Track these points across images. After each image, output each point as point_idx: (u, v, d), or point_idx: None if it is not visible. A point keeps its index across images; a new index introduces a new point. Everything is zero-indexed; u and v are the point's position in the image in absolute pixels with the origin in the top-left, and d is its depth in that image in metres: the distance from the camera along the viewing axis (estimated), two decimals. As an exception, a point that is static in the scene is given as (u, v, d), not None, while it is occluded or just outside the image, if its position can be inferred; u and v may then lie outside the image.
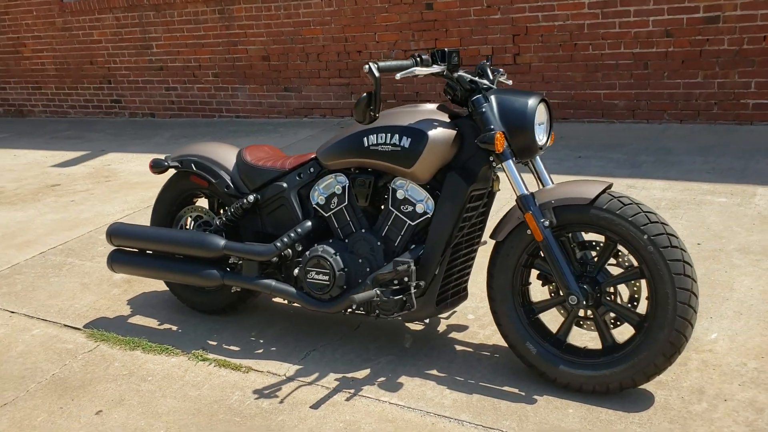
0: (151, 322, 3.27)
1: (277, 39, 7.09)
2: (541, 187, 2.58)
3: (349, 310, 2.66)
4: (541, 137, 2.47)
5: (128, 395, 2.72)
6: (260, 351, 2.94)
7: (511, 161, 2.39)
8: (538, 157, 2.58)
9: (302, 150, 5.92)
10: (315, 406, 2.54)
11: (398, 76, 2.28)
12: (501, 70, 2.72)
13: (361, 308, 2.66)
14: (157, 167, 3.08)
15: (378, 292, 2.51)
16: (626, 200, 2.30)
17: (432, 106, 2.61)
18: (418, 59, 2.37)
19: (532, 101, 2.41)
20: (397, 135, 2.52)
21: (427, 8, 6.24)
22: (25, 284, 3.84)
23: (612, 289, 2.40)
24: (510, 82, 2.90)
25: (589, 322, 2.46)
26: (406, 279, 2.51)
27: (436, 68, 2.40)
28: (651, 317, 2.28)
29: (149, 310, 3.40)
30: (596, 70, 5.72)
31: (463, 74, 2.47)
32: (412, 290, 2.51)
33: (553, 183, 2.57)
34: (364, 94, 2.33)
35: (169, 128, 7.69)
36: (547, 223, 2.34)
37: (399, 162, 2.53)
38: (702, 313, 2.86)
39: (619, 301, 2.43)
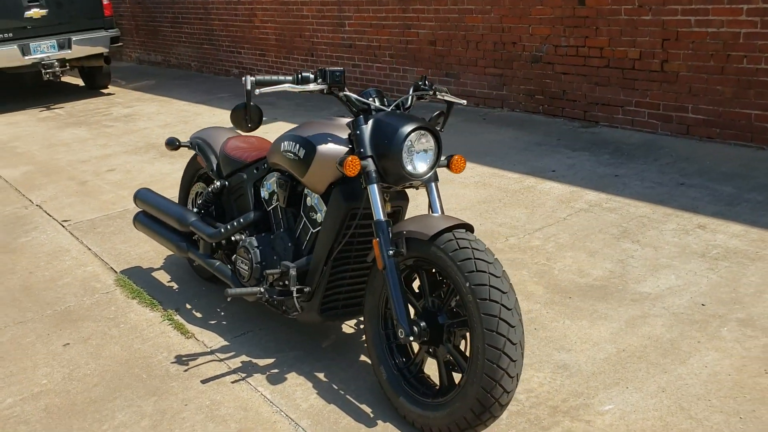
0: (164, 278, 3.77)
1: (443, 25, 7.18)
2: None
3: (267, 298, 2.85)
4: (416, 165, 2.40)
5: (95, 336, 3.23)
6: (213, 322, 3.26)
7: (375, 186, 2.38)
8: (432, 184, 2.51)
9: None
10: (205, 381, 2.81)
11: (258, 91, 2.38)
12: (443, 89, 2.66)
13: (274, 303, 2.84)
14: (170, 145, 3.51)
15: (262, 290, 2.68)
16: (464, 243, 2.18)
17: (345, 121, 2.66)
18: (298, 77, 2.45)
19: (405, 128, 2.36)
20: (297, 144, 2.63)
21: (579, 4, 5.88)
22: (116, 228, 4.58)
23: (455, 331, 2.30)
24: (464, 102, 2.81)
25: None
26: (287, 282, 2.64)
27: (313, 86, 2.45)
28: (467, 369, 2.17)
29: (172, 267, 3.90)
30: (749, 86, 4.98)
31: (351, 94, 2.49)
32: (294, 294, 2.64)
33: (441, 213, 2.49)
34: (240, 104, 2.49)
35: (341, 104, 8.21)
36: (391, 252, 2.31)
37: (296, 170, 2.65)
38: (623, 381, 2.57)
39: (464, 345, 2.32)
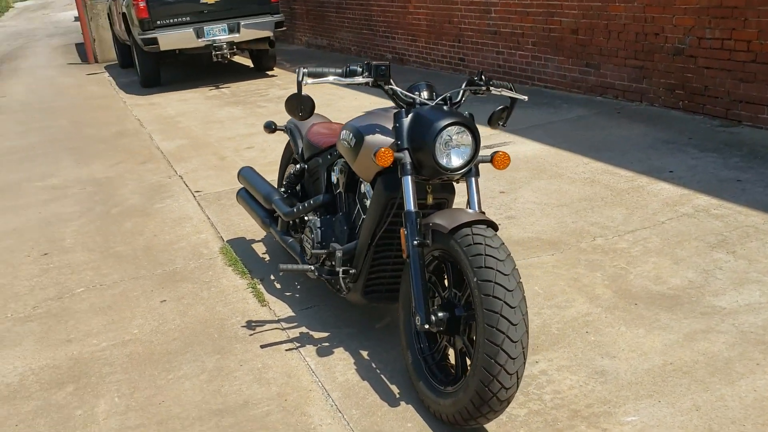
0: (261, 250, 4.09)
1: (586, 13, 6.95)
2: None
3: (318, 276, 3.02)
4: (450, 160, 2.45)
5: (188, 297, 3.60)
6: (288, 294, 3.51)
7: (408, 178, 2.47)
8: (472, 179, 2.55)
9: (559, 129, 5.92)
10: (264, 346, 3.06)
11: (306, 82, 2.54)
12: (506, 84, 2.69)
13: (330, 281, 3.03)
14: (267, 128, 3.79)
15: (312, 268, 2.87)
16: (479, 239, 2.22)
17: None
18: (346, 70, 2.58)
19: (440, 123, 2.41)
20: (351, 133, 2.78)
21: (727, -7, 5.47)
22: (236, 201, 4.98)
23: (470, 324, 2.35)
24: (525, 98, 2.82)
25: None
26: (333, 263, 2.81)
27: (359, 79, 2.57)
28: (471, 362, 2.22)
29: (270, 241, 4.21)
30: None
31: (396, 88, 2.58)
32: (340, 275, 2.80)
33: (477, 208, 2.53)
34: (294, 94, 2.67)
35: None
36: (416, 242, 2.40)
37: (348, 158, 2.79)
38: (657, 393, 2.48)
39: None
